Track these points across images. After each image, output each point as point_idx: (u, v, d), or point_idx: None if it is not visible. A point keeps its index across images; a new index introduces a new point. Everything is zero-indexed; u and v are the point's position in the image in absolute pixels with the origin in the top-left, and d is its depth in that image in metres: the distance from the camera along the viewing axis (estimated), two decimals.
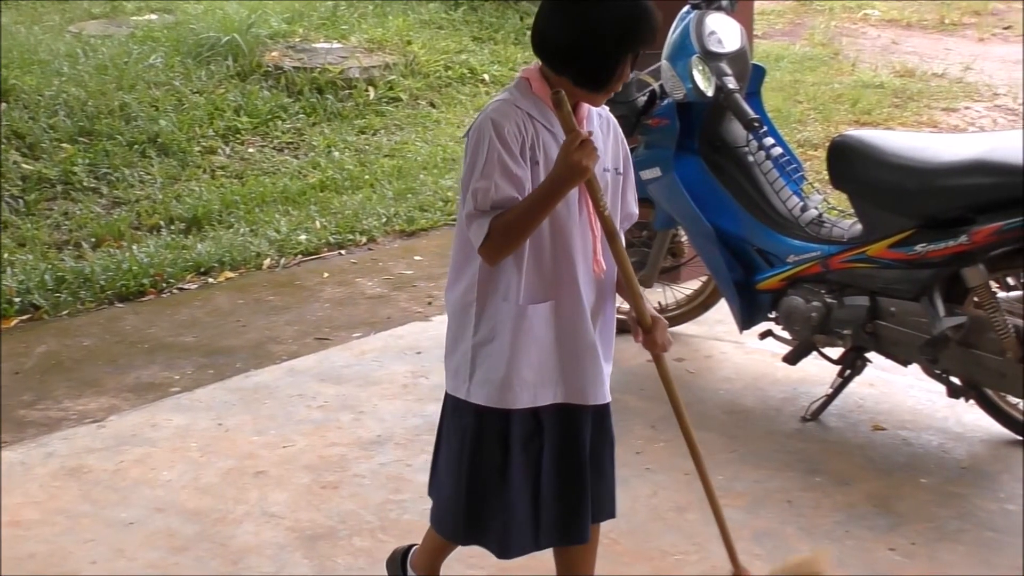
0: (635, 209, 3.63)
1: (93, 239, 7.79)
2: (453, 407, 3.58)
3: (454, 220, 8.35)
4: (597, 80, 3.30)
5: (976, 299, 5.05)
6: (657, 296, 6.15)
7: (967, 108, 11.55)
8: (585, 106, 3.41)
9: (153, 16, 12.94)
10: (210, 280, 7.34)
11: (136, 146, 9.18)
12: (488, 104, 3.41)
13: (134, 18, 12.87)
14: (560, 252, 3.39)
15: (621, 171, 3.54)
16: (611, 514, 3.71)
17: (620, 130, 3.58)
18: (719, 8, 5.66)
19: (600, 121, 3.49)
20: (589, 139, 3.18)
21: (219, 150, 9.53)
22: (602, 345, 3.52)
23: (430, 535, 3.86)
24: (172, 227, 8.05)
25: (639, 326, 3.47)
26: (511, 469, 3.50)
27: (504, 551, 3.63)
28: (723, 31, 5.54)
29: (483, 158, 3.29)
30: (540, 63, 3.37)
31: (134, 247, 7.58)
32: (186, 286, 7.25)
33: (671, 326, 5.96)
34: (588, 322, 3.47)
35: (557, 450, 3.51)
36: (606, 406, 3.58)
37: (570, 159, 3.16)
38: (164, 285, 7.19)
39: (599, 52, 3.25)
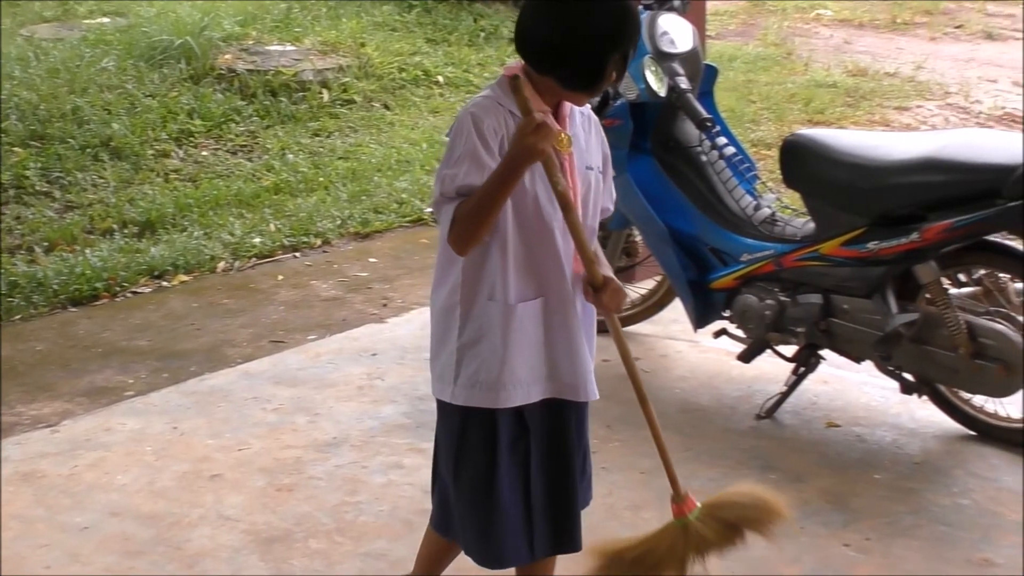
0: (611, 205, 3.63)
1: (46, 243, 7.73)
2: (440, 410, 3.58)
3: (409, 222, 8.40)
4: (583, 81, 3.30)
5: (928, 296, 5.09)
6: None
7: (919, 107, 11.62)
8: (567, 105, 3.40)
9: (105, 19, 12.86)
10: (164, 284, 7.30)
11: (89, 150, 9.12)
12: (470, 100, 3.40)
13: (86, 21, 12.79)
14: (546, 249, 3.38)
15: (601, 170, 3.53)
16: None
17: (602, 129, 3.58)
18: (671, 8, 5.69)
19: (582, 120, 3.49)
20: (545, 122, 3.15)
21: (172, 153, 9.48)
22: (586, 341, 3.53)
23: (427, 540, 3.83)
24: (125, 231, 8.00)
25: (590, 285, 3.43)
26: (500, 473, 3.47)
27: (497, 560, 3.59)
28: (675, 31, 5.56)
29: (458, 149, 3.28)
30: (523, 62, 3.35)
31: (87, 251, 7.54)
32: (140, 290, 7.21)
33: (626, 325, 6.04)
34: (576, 318, 3.47)
35: (545, 449, 3.50)
36: (586, 406, 3.59)
37: (525, 141, 3.14)
38: (118, 289, 7.15)
39: (584, 53, 3.24)
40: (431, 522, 3.78)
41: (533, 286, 3.40)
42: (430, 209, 8.45)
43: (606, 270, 3.45)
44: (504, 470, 3.48)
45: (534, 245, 3.37)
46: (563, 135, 3.35)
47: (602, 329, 3.61)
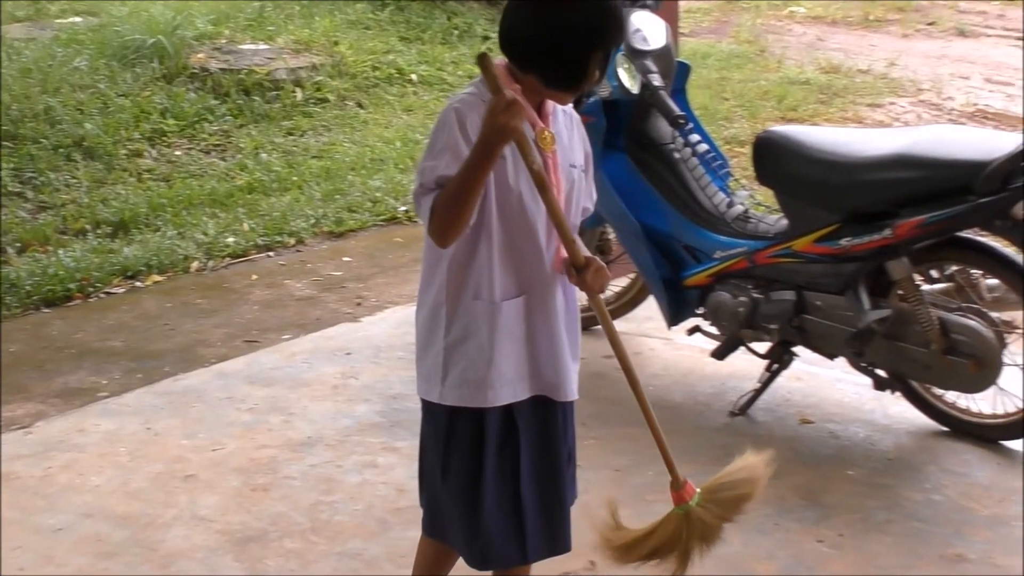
0: (591, 205, 3.60)
1: (18, 244, 7.72)
2: (427, 411, 3.54)
3: (383, 221, 8.40)
4: (566, 79, 3.28)
5: (901, 292, 5.11)
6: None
7: (892, 103, 11.65)
8: (550, 103, 3.38)
9: (77, 19, 12.82)
10: (137, 284, 7.29)
11: (61, 150, 9.11)
12: (454, 96, 3.38)
13: (58, 21, 12.75)
14: (529, 247, 3.35)
15: (583, 169, 3.51)
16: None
17: (583, 128, 3.56)
18: (644, 6, 5.70)
19: (565, 118, 3.46)
20: (516, 100, 3.11)
21: (145, 153, 9.46)
22: (569, 342, 3.51)
23: (421, 548, 3.78)
24: (98, 231, 7.99)
25: (572, 267, 3.40)
26: (489, 474, 3.44)
27: (486, 562, 3.55)
28: (648, 29, 5.57)
29: (439, 142, 3.26)
30: (506, 60, 3.34)
31: (60, 252, 7.52)
32: (113, 290, 7.20)
33: (598, 324, 6.04)
34: (559, 317, 3.45)
35: (535, 449, 3.47)
36: (572, 405, 3.57)
37: (497, 120, 3.09)
38: (91, 290, 7.14)
39: (568, 51, 3.22)
40: (423, 528, 3.71)
41: (516, 284, 3.37)
42: (404, 208, 8.46)
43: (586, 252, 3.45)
44: (492, 470, 3.44)
45: (518, 243, 3.35)
46: (547, 133, 3.33)
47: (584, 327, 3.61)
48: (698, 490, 3.64)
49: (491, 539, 3.48)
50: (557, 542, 3.57)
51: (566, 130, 3.45)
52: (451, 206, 3.18)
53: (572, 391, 3.52)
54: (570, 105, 3.48)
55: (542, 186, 3.25)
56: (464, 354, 3.38)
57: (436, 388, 3.43)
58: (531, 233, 3.34)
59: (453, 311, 3.37)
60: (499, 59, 3.36)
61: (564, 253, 3.40)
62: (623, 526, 3.66)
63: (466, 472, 3.45)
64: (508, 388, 3.40)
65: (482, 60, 3.18)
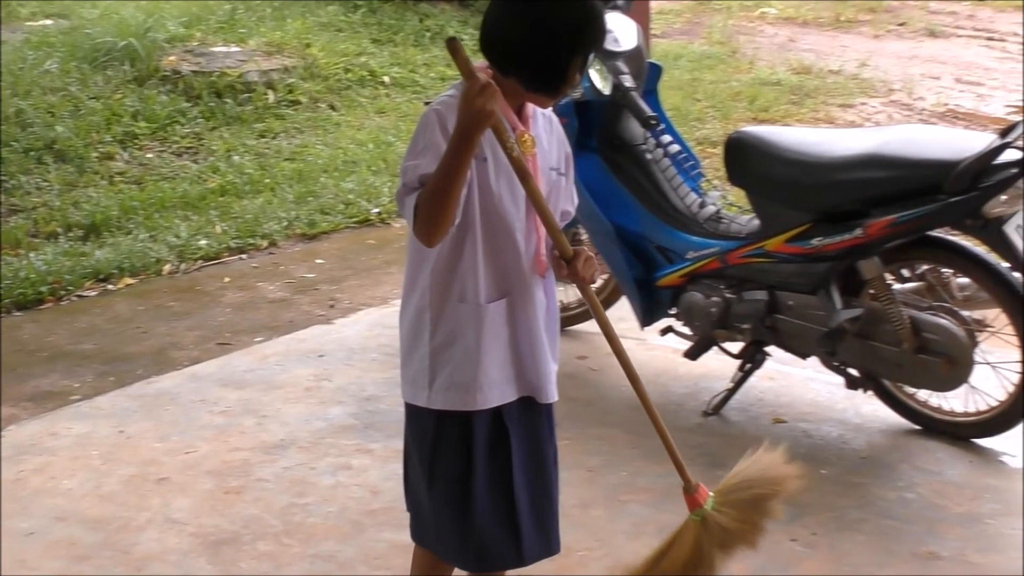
0: (571, 208, 3.58)
1: None
2: (412, 415, 3.49)
3: (356, 223, 8.39)
4: (548, 83, 3.26)
5: (872, 291, 5.13)
6: (558, 295, 6.16)
7: (863, 104, 11.70)
8: (530, 106, 3.36)
9: (48, 21, 12.79)
10: (109, 287, 7.27)
11: (32, 153, 9.08)
12: (435, 98, 3.34)
13: (29, 23, 12.72)
14: (509, 249, 3.33)
15: (563, 171, 3.50)
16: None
17: (562, 130, 3.54)
18: (615, 7, 5.71)
19: (544, 121, 3.45)
20: (490, 83, 3.06)
21: (117, 156, 9.45)
22: (549, 344, 3.50)
23: (416, 559, 3.72)
24: (70, 234, 7.96)
25: (561, 259, 3.40)
26: (479, 477, 3.41)
27: (479, 565, 3.53)
28: (619, 30, 5.58)
29: (421, 143, 3.21)
30: (487, 62, 3.30)
31: (31, 255, 7.50)
32: (85, 293, 7.17)
33: (572, 325, 6.06)
34: (539, 318, 3.43)
35: (525, 450, 3.46)
36: (553, 406, 3.56)
37: (473, 105, 3.03)
38: (63, 293, 7.11)
39: (551, 54, 3.20)
40: (411, 534, 3.67)
41: (499, 286, 3.35)
42: (377, 210, 8.46)
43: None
44: (483, 473, 3.42)
45: (500, 245, 3.32)
46: (527, 136, 3.31)
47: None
48: (711, 493, 3.63)
49: (485, 542, 3.46)
50: (551, 543, 3.56)
51: (545, 133, 3.44)
52: (435, 201, 3.13)
53: (553, 393, 3.51)
54: (549, 108, 3.47)
55: (523, 174, 3.23)
56: (451, 357, 3.36)
57: (423, 392, 3.39)
58: (510, 235, 3.32)
59: (438, 314, 3.35)
60: (480, 62, 3.34)
61: (543, 255, 3.41)
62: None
63: (456, 476, 3.42)
64: (496, 391, 3.39)
65: (451, 44, 3.11)
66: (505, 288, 3.36)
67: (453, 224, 3.18)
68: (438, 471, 3.43)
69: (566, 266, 3.40)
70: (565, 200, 3.52)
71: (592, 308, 3.56)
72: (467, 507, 3.42)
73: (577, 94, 5.52)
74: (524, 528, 3.47)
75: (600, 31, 3.30)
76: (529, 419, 3.48)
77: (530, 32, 3.20)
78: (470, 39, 12.97)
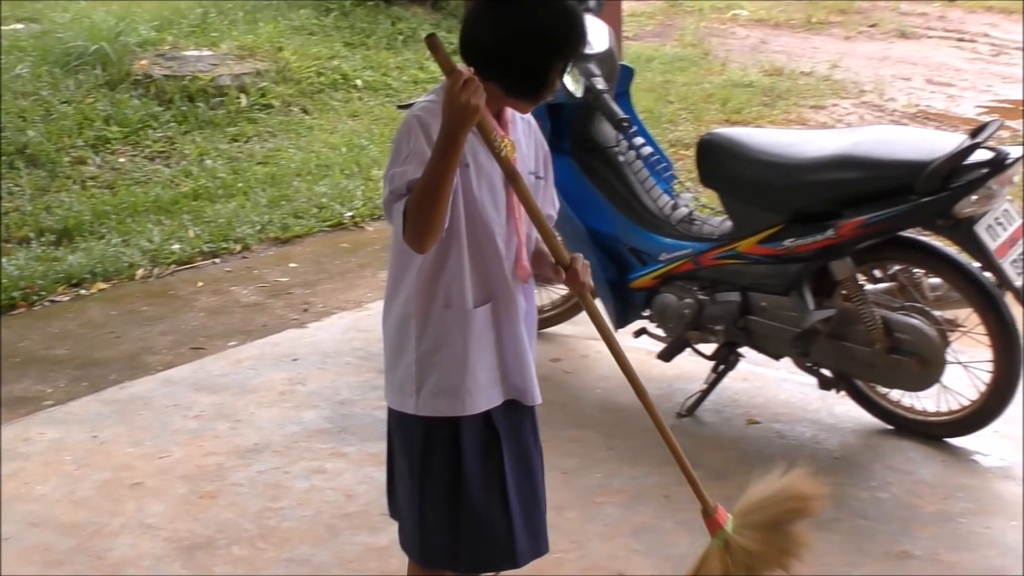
0: (553, 211, 3.57)
1: None
2: (399, 422, 3.48)
3: (329, 227, 8.38)
4: (528, 88, 3.25)
5: (844, 292, 5.15)
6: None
7: (835, 105, 11.73)
8: (509, 111, 3.34)
9: (19, 25, 12.74)
10: (82, 292, 7.25)
11: (4, 157, 9.04)
12: (415, 104, 3.32)
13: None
14: (492, 254, 3.32)
15: (542, 175, 3.49)
16: None
17: (540, 134, 3.53)
18: (587, 9, 5.70)
19: (523, 125, 3.43)
20: (473, 77, 3.04)
21: (89, 160, 9.42)
22: (530, 346, 3.50)
23: (412, 569, 3.66)
24: (42, 239, 7.93)
25: (559, 265, 3.39)
26: (471, 481, 3.40)
27: (473, 567, 3.52)
28: (591, 32, 5.56)
29: (405, 149, 3.18)
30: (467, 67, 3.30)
31: (3, 260, 7.46)
32: (58, 298, 7.15)
33: (546, 327, 6.07)
34: (521, 322, 3.43)
35: (514, 451, 3.46)
36: (535, 409, 3.55)
37: (457, 101, 3.01)
38: (35, 298, 7.09)
39: (532, 60, 3.19)
40: (402, 546, 3.62)
41: (483, 291, 3.35)
42: (350, 213, 8.45)
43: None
44: (477, 477, 3.41)
45: (483, 250, 3.31)
46: (506, 141, 3.29)
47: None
48: (730, 515, 3.63)
49: (479, 545, 3.46)
50: (540, 543, 3.56)
51: (525, 137, 3.42)
52: (423, 204, 3.10)
53: (538, 395, 3.50)
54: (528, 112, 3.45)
55: (512, 176, 3.23)
56: (438, 363, 3.35)
57: (411, 399, 3.38)
58: (492, 240, 3.31)
59: (424, 321, 3.34)
60: (459, 66, 3.32)
61: (525, 260, 3.40)
62: None
63: (447, 481, 3.41)
64: (484, 395, 3.38)
65: (431, 40, 3.09)
66: (489, 293, 3.36)
67: (444, 228, 3.16)
68: (430, 476, 3.42)
69: (564, 272, 3.41)
70: (546, 203, 3.52)
71: (590, 315, 3.54)
72: (460, 511, 3.42)
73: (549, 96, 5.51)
74: (517, 530, 3.47)
75: (582, 37, 3.28)
76: (514, 421, 3.47)
77: (512, 37, 3.19)
78: (444, 41, 12.99)
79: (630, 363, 3.67)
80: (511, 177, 3.24)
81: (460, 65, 3.16)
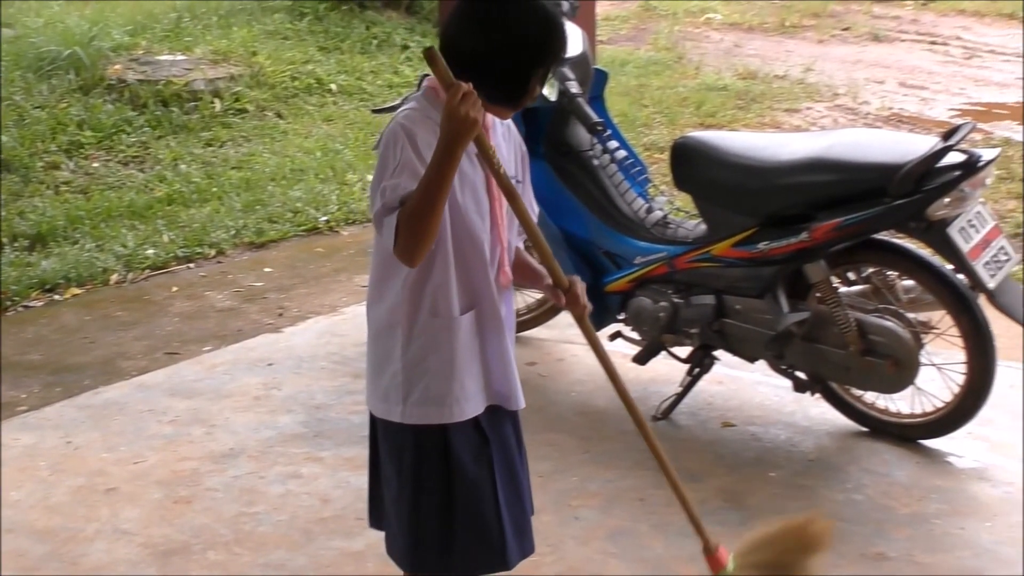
0: (533, 215, 3.49)
1: None
2: (385, 431, 3.45)
3: (304, 231, 8.37)
4: (509, 94, 3.24)
5: (818, 295, 5.15)
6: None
7: (809, 108, 11.77)
8: (489, 116, 3.30)
9: None
10: (56, 297, 7.23)
11: None
12: (397, 113, 3.28)
13: None
14: (477, 261, 3.31)
15: (521, 180, 3.47)
16: None
17: (519, 137, 3.52)
18: (561, 14, 5.70)
19: (503, 130, 3.42)
20: (472, 91, 3.01)
21: (63, 165, 9.40)
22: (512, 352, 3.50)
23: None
24: (16, 244, 7.91)
25: (558, 287, 3.39)
26: (462, 486, 3.39)
27: (466, 570, 3.49)
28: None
29: (394, 160, 3.15)
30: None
31: None
32: (31, 304, 7.13)
33: (522, 331, 6.06)
34: (504, 328, 3.41)
35: (501, 455, 3.45)
36: (519, 413, 3.54)
37: (456, 113, 2.98)
38: (9, 303, 7.07)
39: (512, 66, 3.18)
40: (389, 553, 3.59)
41: (468, 299, 3.33)
42: (325, 218, 8.44)
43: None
44: (468, 483, 3.39)
45: (468, 258, 3.30)
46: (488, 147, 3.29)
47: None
48: (731, 554, 3.62)
49: (470, 549, 3.44)
50: (526, 543, 3.55)
51: (505, 142, 3.41)
52: (418, 217, 3.07)
53: (521, 400, 3.49)
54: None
55: (511, 194, 3.22)
56: (425, 371, 3.33)
57: (397, 408, 3.36)
58: (478, 246, 3.29)
59: (410, 329, 3.32)
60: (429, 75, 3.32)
61: (507, 268, 3.39)
62: None
63: (437, 487, 3.39)
64: (472, 402, 3.37)
65: (429, 53, 3.05)
66: (473, 300, 3.34)
67: (435, 239, 3.13)
68: (423, 484, 3.40)
69: (564, 296, 3.41)
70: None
71: (588, 339, 3.52)
72: (454, 517, 3.41)
73: None
74: (507, 531, 3.47)
75: (562, 44, 3.27)
76: (498, 426, 3.46)
77: (493, 44, 3.17)
78: (417, 46, 13.00)
79: (628, 392, 3.62)
80: (510, 196, 3.23)
81: (430, 78, 3.17)
